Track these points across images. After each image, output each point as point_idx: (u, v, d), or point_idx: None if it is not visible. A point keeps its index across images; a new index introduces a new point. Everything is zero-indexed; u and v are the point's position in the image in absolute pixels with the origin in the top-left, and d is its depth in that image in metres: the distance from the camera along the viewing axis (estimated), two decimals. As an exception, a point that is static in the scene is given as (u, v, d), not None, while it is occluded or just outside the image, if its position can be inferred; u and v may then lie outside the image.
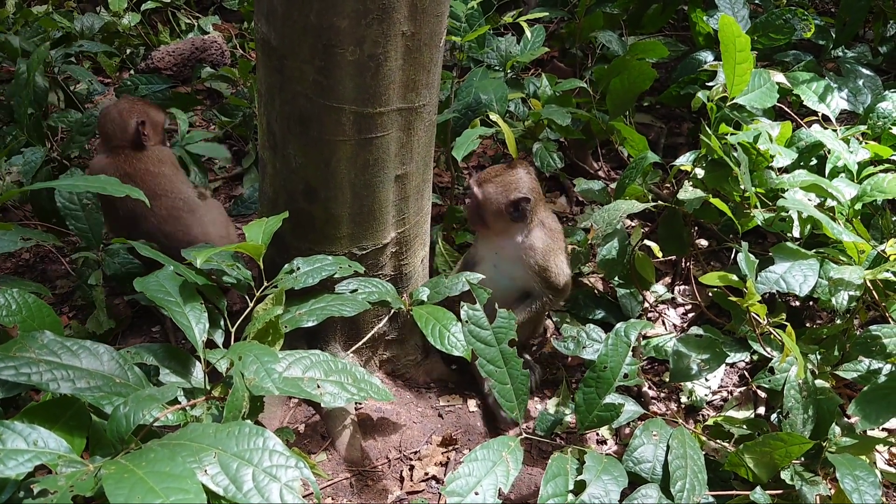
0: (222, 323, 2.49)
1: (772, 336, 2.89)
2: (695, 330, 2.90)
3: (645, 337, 3.70)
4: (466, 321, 2.54)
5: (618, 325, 2.64)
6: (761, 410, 3.30)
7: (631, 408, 2.57)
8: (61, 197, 3.33)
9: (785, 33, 3.87)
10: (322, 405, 2.23)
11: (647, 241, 3.56)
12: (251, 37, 6.60)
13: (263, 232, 2.62)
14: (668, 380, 3.48)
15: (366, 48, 2.63)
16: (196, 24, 6.53)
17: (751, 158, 3.15)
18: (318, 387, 2.25)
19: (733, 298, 2.66)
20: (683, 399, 3.41)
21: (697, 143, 5.09)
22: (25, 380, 1.90)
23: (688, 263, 3.70)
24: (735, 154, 2.98)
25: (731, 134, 3.04)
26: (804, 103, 3.56)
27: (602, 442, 3.29)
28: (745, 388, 3.41)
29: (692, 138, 5.14)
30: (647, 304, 3.80)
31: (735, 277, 2.60)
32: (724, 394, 3.45)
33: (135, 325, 3.75)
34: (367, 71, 2.67)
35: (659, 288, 3.84)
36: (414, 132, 2.96)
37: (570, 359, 3.64)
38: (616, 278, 3.65)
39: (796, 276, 2.63)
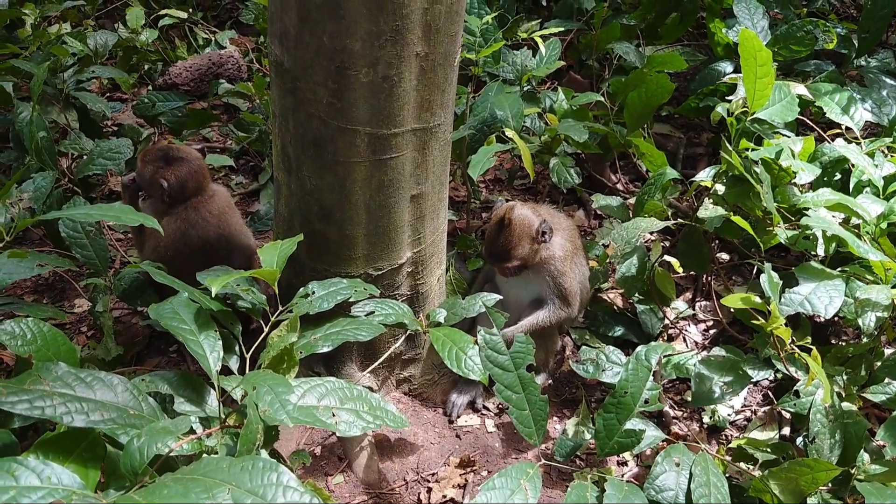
0: (237, 349, 2.47)
1: (796, 356, 2.82)
2: (717, 351, 2.84)
3: (665, 354, 3.64)
4: (484, 346, 2.50)
5: (638, 349, 2.59)
6: (786, 431, 3.23)
7: (652, 433, 2.52)
8: (65, 226, 3.31)
9: (806, 45, 3.81)
10: (337, 434, 2.20)
11: (666, 257, 3.50)
12: (267, 51, 6.62)
13: (278, 256, 2.60)
14: (690, 400, 3.43)
15: (379, 70, 2.60)
16: (213, 38, 6.56)
17: (773, 174, 3.09)
18: (334, 415, 2.22)
19: (757, 322, 2.60)
20: (706, 419, 3.35)
21: (717, 154, 5.03)
22: (39, 413, 1.89)
23: (709, 279, 3.64)
24: (756, 170, 2.92)
25: (753, 149, 2.98)
26: (826, 115, 3.49)
27: (623, 463, 3.23)
28: (769, 407, 3.34)
29: (711, 148, 5.07)
30: (667, 321, 3.75)
31: (758, 299, 2.54)
32: (748, 413, 3.38)
33: (152, 344, 3.75)
34: (381, 92, 2.65)
35: (679, 304, 3.78)
36: (429, 152, 2.93)
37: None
38: (636, 294, 3.61)
39: (821, 297, 2.57)
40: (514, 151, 4.00)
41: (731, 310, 3.69)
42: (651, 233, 4.30)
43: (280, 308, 2.62)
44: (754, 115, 3.07)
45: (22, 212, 3.45)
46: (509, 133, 3.40)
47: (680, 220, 3.05)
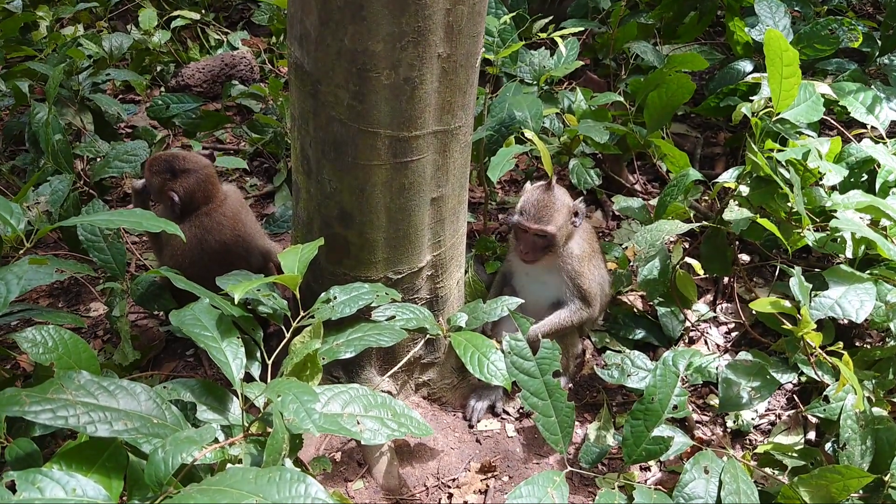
0: (259, 355, 2.44)
1: (822, 360, 2.77)
2: (743, 355, 2.79)
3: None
4: (509, 352, 2.46)
5: (665, 355, 2.55)
6: (811, 435, 3.18)
7: (680, 439, 2.48)
8: (83, 229, 3.30)
9: (830, 44, 3.75)
10: (362, 442, 2.17)
11: (687, 259, 3.46)
12: (280, 52, 6.59)
13: (299, 261, 2.57)
14: (713, 403, 3.38)
15: (401, 71, 2.57)
16: (225, 39, 6.54)
17: (798, 175, 3.04)
18: (358, 423, 2.20)
19: (787, 326, 2.55)
20: (729, 423, 3.30)
21: (735, 154, 5.00)
22: (63, 423, 1.86)
23: (730, 281, 3.59)
24: (782, 171, 2.87)
25: (779, 150, 2.93)
26: (851, 115, 3.43)
27: (646, 469, 3.18)
28: (793, 411, 3.30)
29: (729, 148, 5.02)
30: (688, 324, 3.70)
31: (787, 304, 2.49)
32: (772, 417, 3.33)
33: (169, 348, 3.73)
34: (403, 94, 2.62)
35: (701, 307, 3.74)
36: (450, 154, 2.89)
37: (610, 380, 3.55)
38: (657, 297, 3.56)
39: (852, 301, 2.52)
40: (532, 153, 3.96)
41: (754, 312, 3.65)
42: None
43: (301, 313, 2.58)
44: (779, 116, 3.02)
45: (40, 215, 3.43)
46: (528, 134, 3.35)
47: (705, 223, 3.00)
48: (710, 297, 3.93)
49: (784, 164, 2.95)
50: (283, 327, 2.56)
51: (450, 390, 3.46)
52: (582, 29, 4.46)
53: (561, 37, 3.89)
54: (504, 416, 3.46)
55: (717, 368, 3.09)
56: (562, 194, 3.16)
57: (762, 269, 4.05)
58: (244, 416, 2.17)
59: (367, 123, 2.65)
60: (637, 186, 4.53)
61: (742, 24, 4.27)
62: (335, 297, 2.61)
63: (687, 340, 3.73)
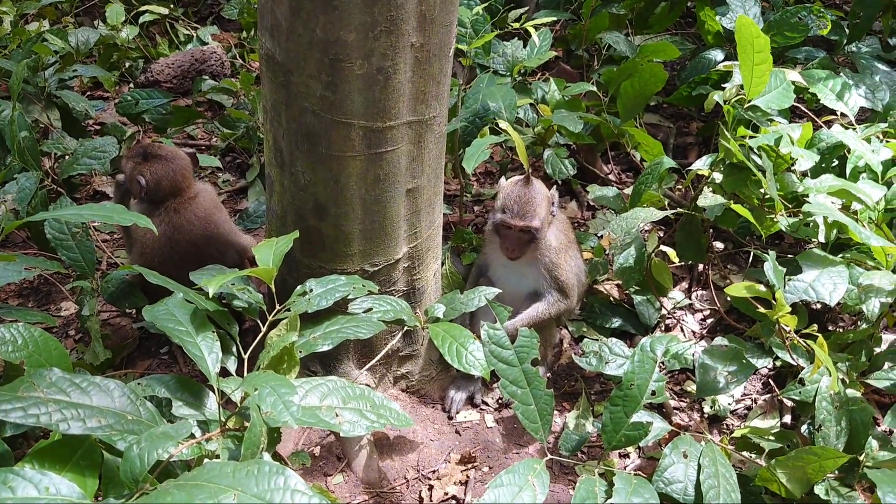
0: (235, 349, 2.41)
1: (797, 343, 2.80)
2: (719, 340, 2.81)
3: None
4: (488, 341, 2.45)
5: (643, 341, 2.56)
6: (787, 419, 3.22)
7: (659, 425, 2.49)
8: (50, 227, 3.23)
9: (800, 31, 3.79)
10: (341, 434, 2.15)
11: (662, 247, 3.48)
12: (251, 47, 6.53)
13: (274, 254, 2.54)
14: (690, 389, 3.40)
15: (374, 61, 2.55)
16: (195, 34, 6.46)
17: (770, 161, 3.06)
18: (337, 415, 2.18)
19: (762, 310, 2.57)
20: (706, 409, 3.33)
21: (707, 143, 5.04)
22: (34, 421, 1.82)
23: (705, 268, 3.62)
24: (755, 158, 2.89)
25: (751, 137, 2.95)
26: (821, 102, 3.47)
27: (625, 455, 3.20)
28: (769, 395, 3.33)
29: (701, 138, 5.06)
30: (664, 311, 3.72)
31: (762, 288, 2.51)
32: (748, 402, 3.37)
33: (143, 346, 3.68)
34: (376, 84, 2.59)
35: (677, 294, 3.76)
36: (424, 145, 2.88)
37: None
38: (633, 286, 3.58)
39: (825, 284, 2.55)
40: (506, 143, 3.95)
41: (728, 298, 3.68)
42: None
43: (277, 307, 2.56)
44: (750, 103, 3.04)
45: (7, 213, 3.36)
46: (503, 125, 3.35)
47: (679, 210, 3.01)
48: (685, 284, 3.96)
49: (756, 150, 2.97)
50: (258, 321, 2.54)
51: (428, 382, 3.45)
52: (555, 19, 4.46)
53: (534, 27, 3.88)
54: (483, 406, 3.46)
55: (693, 355, 3.11)
56: (540, 186, 3.16)
57: (736, 256, 4.09)
58: (221, 412, 2.14)
59: (341, 114, 2.62)
60: (611, 176, 4.55)
61: (713, 14, 4.30)
62: (311, 290, 2.58)
63: (663, 328, 3.75)
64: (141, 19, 5.94)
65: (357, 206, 2.84)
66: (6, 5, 5.01)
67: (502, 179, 3.32)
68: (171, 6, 6.34)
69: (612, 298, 3.83)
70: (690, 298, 3.81)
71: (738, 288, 2.56)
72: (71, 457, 1.92)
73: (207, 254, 3.34)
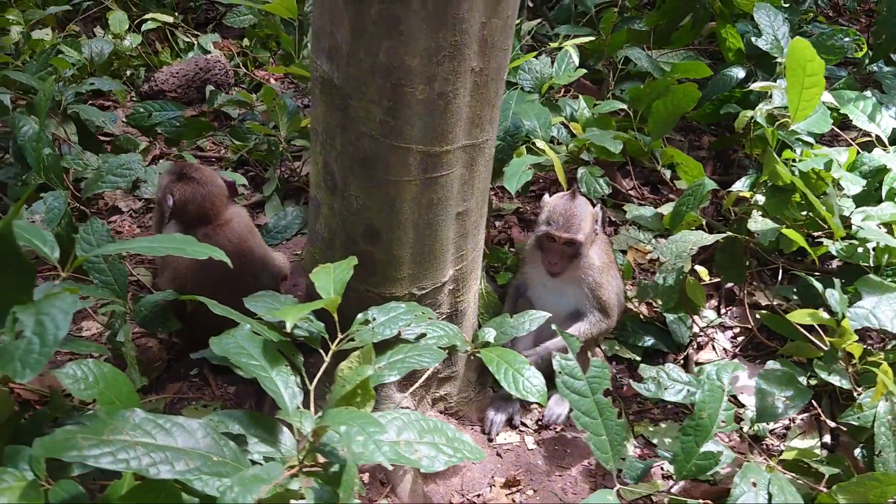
0: (300, 382, 2.35)
1: (861, 370, 2.80)
2: (772, 364, 2.83)
3: (697, 364, 3.64)
4: (560, 371, 2.44)
5: (708, 369, 2.56)
6: (827, 439, 3.25)
7: (727, 454, 2.49)
8: (82, 250, 3.15)
9: (836, 53, 3.82)
10: (421, 470, 2.11)
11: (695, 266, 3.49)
12: (254, 55, 6.44)
13: (334, 281, 2.50)
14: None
15: (436, 86, 2.52)
16: (196, 42, 6.36)
17: (810, 184, 3.09)
18: (416, 450, 2.14)
19: (830, 340, 2.59)
20: (745, 428, 3.34)
21: (721, 157, 5.08)
22: (124, 466, 1.76)
23: (742, 287, 3.64)
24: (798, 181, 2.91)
25: (800, 160, 2.97)
26: (854, 123, 3.51)
27: (668, 477, 3.21)
28: (807, 415, 3.36)
29: (714, 152, 5.09)
30: (696, 329, 3.74)
31: (826, 315, 2.53)
32: (786, 422, 3.39)
33: (171, 368, 3.60)
34: (437, 109, 2.56)
35: (709, 313, 3.78)
36: (476, 168, 2.85)
37: (624, 388, 3.57)
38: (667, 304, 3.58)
39: (885, 311, 2.57)
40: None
41: (758, 316, 3.71)
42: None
43: (339, 336, 2.51)
44: (794, 126, 3.06)
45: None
46: (540, 144, 3.34)
47: (730, 234, 3.02)
48: (713, 302, 3.98)
49: (799, 173, 2.99)
50: (320, 351, 2.49)
51: (467, 404, 3.42)
52: (593, 38, 4.44)
53: (572, 46, 3.87)
54: (522, 428, 3.44)
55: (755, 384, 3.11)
56: (585, 203, 3.16)
57: (761, 274, 4.11)
58: (299, 450, 2.09)
59: (400, 139, 2.59)
60: (632, 192, 4.56)
61: (734, 31, 4.33)
62: (374, 319, 2.54)
63: (695, 346, 3.77)
64: (144, 27, 5.82)
65: (410, 230, 2.80)
66: (12, 13, 4.87)
67: (546, 196, 3.30)
68: (176, 14, 6.21)
69: (641, 316, 3.84)
70: (723, 317, 3.83)
71: (801, 315, 2.57)
72: (156, 500, 1.87)
73: (242, 280, 3.27)
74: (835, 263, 3.95)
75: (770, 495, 2.34)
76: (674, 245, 2.94)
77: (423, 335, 2.77)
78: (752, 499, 2.33)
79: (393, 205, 2.73)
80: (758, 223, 2.97)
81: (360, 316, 2.61)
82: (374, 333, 2.47)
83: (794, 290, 3.73)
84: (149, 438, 1.85)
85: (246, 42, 6.56)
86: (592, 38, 4.21)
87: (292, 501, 1.96)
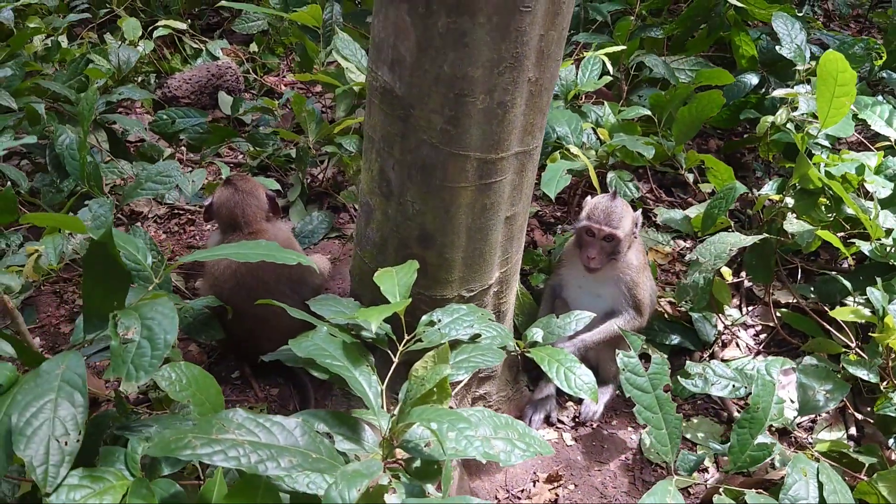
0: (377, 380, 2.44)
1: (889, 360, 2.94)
2: (808, 360, 2.96)
3: (723, 361, 3.76)
4: (623, 369, 2.55)
5: (758, 365, 2.69)
6: (853, 431, 3.40)
7: (779, 445, 2.61)
8: (126, 257, 3.21)
9: (857, 62, 3.98)
10: (501, 464, 2.21)
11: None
12: (263, 61, 6.49)
13: (399, 285, 2.58)
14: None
15: (496, 96, 2.61)
16: (204, 48, 6.39)
17: (840, 187, 3.23)
18: (493, 446, 2.24)
19: (874, 335, 2.72)
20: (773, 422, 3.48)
21: (730, 160, 5.21)
22: (236, 464, 1.83)
23: (767, 287, 3.77)
24: (836, 184, 3.06)
25: (831, 164, 3.11)
26: (871, 127, 3.67)
27: (703, 470, 3.33)
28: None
29: (724, 155, 5.24)
30: (720, 327, 3.87)
31: (867, 312, 2.66)
32: (812, 415, 3.53)
33: (212, 371, 3.63)
34: (495, 118, 2.66)
35: (733, 312, 3.91)
36: (525, 174, 2.96)
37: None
38: (692, 303, 3.71)
39: (926, 309, 2.71)
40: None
41: (779, 314, 3.86)
42: (682, 238, 4.46)
43: (406, 337, 2.60)
44: (821, 132, 3.20)
45: (83, 242, 3.32)
46: (574, 150, 3.45)
47: (766, 235, 3.15)
48: (735, 301, 4.11)
49: (830, 177, 3.13)
50: (388, 351, 2.57)
51: (505, 402, 3.52)
52: (625, 48, 4.55)
53: (605, 55, 3.99)
54: (559, 425, 3.55)
55: (753, 369, 3.26)
56: (625, 203, 3.28)
57: (777, 273, 4.26)
58: (384, 446, 2.18)
59: (459, 147, 2.68)
60: (649, 195, 4.69)
61: (748, 38, 4.48)
62: (440, 320, 2.63)
63: (720, 344, 3.90)
64: (155, 34, 5.85)
65: (462, 234, 2.89)
66: (33, 21, 4.88)
67: (588, 198, 3.41)
68: (189, 22, 6.24)
69: (666, 315, 3.96)
70: (747, 315, 3.97)
71: (844, 312, 2.71)
72: (254, 498, 1.95)
73: (279, 290, 3.33)
74: (845, 264, 4.14)
75: (820, 484, 2.46)
76: (712, 246, 3.07)
77: (477, 335, 2.86)
78: (803, 487, 2.45)
79: (448, 210, 2.82)
80: (793, 225, 3.11)
81: (424, 318, 2.69)
82: (442, 334, 2.56)
83: (812, 288, 3.88)
84: (253, 437, 1.92)
85: (253, 48, 6.61)
86: (623, 48, 4.33)
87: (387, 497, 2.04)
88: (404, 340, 2.59)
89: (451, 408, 2.36)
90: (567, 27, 2.76)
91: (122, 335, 1.95)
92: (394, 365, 2.51)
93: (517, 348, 3.02)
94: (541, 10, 2.53)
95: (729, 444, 2.56)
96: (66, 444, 1.93)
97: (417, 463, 2.21)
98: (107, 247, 2.00)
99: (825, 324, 3.52)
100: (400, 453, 2.27)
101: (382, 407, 2.37)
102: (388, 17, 2.60)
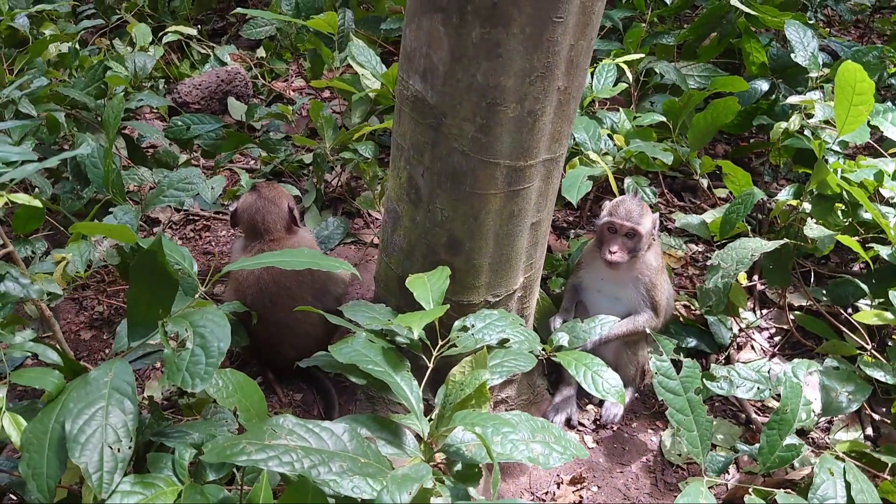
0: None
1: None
2: (829, 362, 3.02)
3: (739, 363, 3.82)
4: (656, 372, 2.59)
5: (785, 368, 2.74)
6: (869, 431, 3.46)
7: (807, 446, 2.66)
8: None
9: (872, 70, 4.05)
10: (541, 467, 2.25)
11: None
12: (271, 66, 6.52)
13: (432, 291, 2.62)
14: (771, 405, 3.61)
15: (526, 105, 2.66)
16: (212, 53, 6.41)
17: (857, 193, 3.29)
18: (532, 449, 2.28)
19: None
20: (792, 423, 3.53)
21: (737, 165, 5.28)
22: (290, 469, 1.87)
23: (783, 290, 3.83)
24: (856, 190, 3.12)
25: (850, 171, 3.17)
26: (884, 134, 3.73)
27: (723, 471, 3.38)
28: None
29: (732, 160, 5.29)
30: (735, 330, 3.93)
31: (890, 316, 2.72)
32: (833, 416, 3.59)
33: (234, 378, 3.68)
34: (525, 126, 2.71)
35: (748, 315, 3.97)
36: (551, 180, 3.00)
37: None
38: (710, 306, 3.76)
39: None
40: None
41: (793, 317, 3.92)
42: (696, 242, 4.52)
43: (440, 342, 2.64)
44: (838, 139, 3.27)
45: (110, 249, 3.34)
46: (593, 156, 3.50)
47: (786, 240, 3.20)
48: (749, 304, 4.17)
49: (848, 182, 3.19)
50: (423, 356, 2.61)
51: (526, 406, 3.56)
52: (644, 57, 4.60)
53: (626, 63, 4.04)
54: (580, 428, 3.59)
55: (769, 371, 3.31)
56: (645, 204, 3.33)
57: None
58: (426, 451, 2.22)
59: (490, 154, 2.72)
60: (660, 200, 4.74)
61: (758, 45, 4.55)
62: (473, 325, 2.67)
63: (735, 347, 3.96)
64: (165, 39, 5.86)
65: (490, 240, 2.94)
66: (47, 27, 4.90)
67: (606, 200, 3.46)
68: (198, 27, 6.26)
69: (681, 318, 4.01)
70: (762, 318, 4.02)
71: (868, 315, 2.77)
72: (305, 500, 1.98)
73: (301, 297, 3.37)
74: (856, 267, 4.21)
75: (848, 484, 2.51)
76: (733, 252, 3.12)
77: (505, 340, 2.90)
78: (831, 487, 2.50)
79: (477, 216, 2.86)
80: (814, 230, 3.17)
81: (457, 323, 2.73)
82: (476, 340, 2.60)
83: (825, 291, 3.94)
84: (304, 442, 1.96)
85: (261, 53, 6.64)
86: (641, 56, 4.38)
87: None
88: (438, 346, 2.62)
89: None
90: (595, 37, 2.81)
91: (172, 342, 1.98)
92: (428, 370, 2.55)
93: (544, 352, 3.06)
94: (572, 20, 2.58)
95: (758, 445, 2.61)
96: (118, 450, 1.96)
97: (458, 466, 2.25)
98: (156, 255, 2.03)
99: (840, 325, 3.58)
100: (439, 457, 2.31)
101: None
102: (422, 27, 2.64)
